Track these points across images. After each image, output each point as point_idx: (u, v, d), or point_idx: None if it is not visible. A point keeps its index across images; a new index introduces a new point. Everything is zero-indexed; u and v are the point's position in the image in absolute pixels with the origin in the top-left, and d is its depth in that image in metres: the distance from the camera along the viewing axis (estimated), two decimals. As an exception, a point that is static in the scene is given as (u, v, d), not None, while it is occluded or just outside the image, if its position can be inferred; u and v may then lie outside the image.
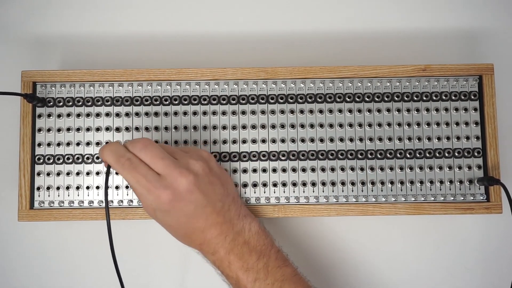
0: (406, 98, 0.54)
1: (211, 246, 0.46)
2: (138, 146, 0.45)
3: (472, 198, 0.53)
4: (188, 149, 0.48)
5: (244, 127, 0.54)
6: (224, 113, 0.54)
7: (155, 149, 0.44)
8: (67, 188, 0.54)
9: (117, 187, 0.54)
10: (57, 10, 0.62)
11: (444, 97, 0.54)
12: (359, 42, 0.61)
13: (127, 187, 0.53)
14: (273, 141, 0.54)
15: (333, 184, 0.53)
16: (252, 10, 0.62)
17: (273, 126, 0.54)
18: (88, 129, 0.54)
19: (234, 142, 0.54)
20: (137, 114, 0.54)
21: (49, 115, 0.54)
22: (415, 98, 0.54)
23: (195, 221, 0.46)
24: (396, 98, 0.54)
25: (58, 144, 0.54)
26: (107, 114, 0.54)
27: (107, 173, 0.46)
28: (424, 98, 0.54)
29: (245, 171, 0.53)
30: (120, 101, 0.54)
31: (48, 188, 0.53)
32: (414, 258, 0.58)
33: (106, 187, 0.46)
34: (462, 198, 0.53)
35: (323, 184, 0.53)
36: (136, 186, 0.44)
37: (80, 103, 0.55)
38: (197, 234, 0.46)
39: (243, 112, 0.54)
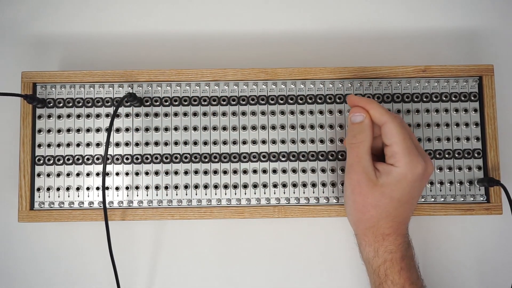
0: (406, 99, 0.54)
1: (395, 243, 0.45)
2: (399, 117, 0.46)
3: (472, 199, 0.53)
4: None
5: (244, 128, 0.54)
6: (224, 114, 0.54)
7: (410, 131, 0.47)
8: (67, 189, 0.54)
9: (117, 188, 0.54)
10: (57, 10, 0.62)
11: (444, 98, 0.54)
12: (359, 42, 0.61)
13: (127, 188, 0.53)
14: (273, 142, 0.54)
15: (333, 185, 0.53)
16: (252, 10, 0.62)
17: (273, 127, 0.54)
18: (88, 130, 0.54)
19: (234, 143, 0.54)
20: (137, 115, 0.54)
21: (49, 116, 0.54)
22: (415, 99, 0.54)
23: (407, 207, 0.46)
24: (396, 99, 0.54)
25: (58, 145, 0.54)
26: (107, 115, 0.54)
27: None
28: (424, 99, 0.54)
29: (245, 172, 0.53)
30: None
31: (48, 189, 0.53)
32: (414, 259, 0.58)
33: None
34: (462, 199, 0.53)
35: (323, 185, 0.53)
36: (401, 142, 0.44)
37: (80, 104, 0.55)
38: (394, 223, 0.45)
39: (243, 113, 0.54)
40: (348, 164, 0.47)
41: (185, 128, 0.54)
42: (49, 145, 0.54)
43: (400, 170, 0.44)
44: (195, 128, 0.54)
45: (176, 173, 0.54)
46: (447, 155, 0.54)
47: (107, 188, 0.54)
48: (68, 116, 0.54)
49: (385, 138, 0.45)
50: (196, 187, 0.53)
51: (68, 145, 0.54)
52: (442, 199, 0.53)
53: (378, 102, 0.48)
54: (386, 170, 0.45)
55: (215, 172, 0.54)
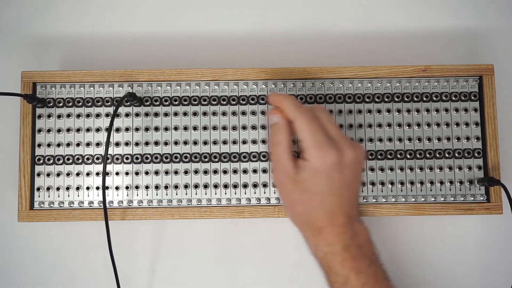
0: (406, 99, 0.54)
1: (331, 235, 0.45)
2: (316, 107, 0.47)
3: (472, 198, 0.53)
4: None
5: (244, 127, 0.54)
6: (224, 113, 0.54)
7: (330, 117, 0.47)
8: (67, 188, 0.54)
9: (117, 188, 0.54)
10: (57, 10, 0.62)
11: (444, 98, 0.54)
12: (359, 42, 0.61)
13: (127, 187, 0.53)
14: (273, 141, 0.54)
15: (333, 184, 0.53)
16: (252, 10, 0.62)
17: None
18: (88, 130, 0.54)
19: (234, 142, 0.54)
20: (137, 114, 0.54)
21: (49, 116, 0.54)
22: (415, 99, 0.54)
23: (333, 199, 0.45)
24: (396, 99, 0.54)
25: (58, 145, 0.54)
26: (107, 115, 0.54)
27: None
28: (424, 98, 0.54)
29: (245, 171, 0.53)
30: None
31: (48, 188, 0.53)
32: (414, 259, 0.58)
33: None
34: (463, 199, 0.53)
35: (323, 184, 0.53)
36: (309, 136, 0.44)
37: (80, 103, 0.55)
38: (324, 215, 0.45)
39: (243, 113, 0.54)
40: (272, 165, 0.48)
41: (185, 128, 0.54)
42: (49, 145, 0.54)
43: (312, 164, 0.44)
44: (195, 128, 0.54)
45: (176, 172, 0.54)
46: (447, 155, 0.54)
47: (107, 188, 0.53)
48: (68, 115, 0.54)
49: (297, 134, 0.46)
50: (196, 186, 0.53)
51: (68, 144, 0.54)
52: (442, 199, 0.53)
53: (294, 97, 0.48)
54: (302, 166, 0.45)
55: (215, 171, 0.54)
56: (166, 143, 0.54)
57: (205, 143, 0.54)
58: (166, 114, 0.54)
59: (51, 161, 0.54)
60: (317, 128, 0.45)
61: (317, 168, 0.44)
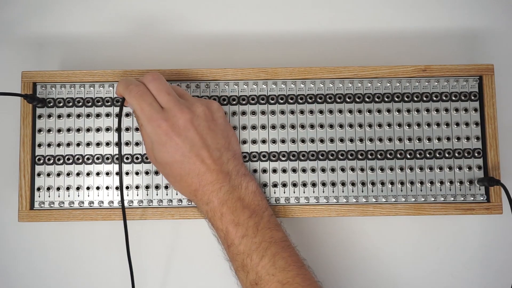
0: (406, 99, 0.54)
1: (206, 194, 0.47)
2: (148, 78, 0.48)
3: (472, 198, 0.53)
4: (201, 99, 0.50)
5: (244, 127, 0.54)
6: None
7: (163, 84, 0.48)
8: (67, 188, 0.54)
9: (117, 188, 0.54)
10: (57, 10, 0.62)
11: (444, 98, 0.54)
12: (359, 42, 0.61)
13: (127, 187, 0.53)
14: (274, 141, 0.54)
15: (333, 184, 0.53)
16: (252, 10, 0.62)
17: (273, 127, 0.54)
18: (88, 130, 0.54)
19: (234, 142, 0.54)
20: (137, 114, 0.54)
21: (49, 116, 0.54)
22: (415, 99, 0.54)
23: (191, 162, 0.46)
24: (396, 99, 0.54)
25: (58, 145, 0.54)
26: (107, 115, 0.54)
27: (121, 108, 0.49)
28: (424, 98, 0.54)
29: (245, 171, 0.53)
30: (121, 102, 0.54)
31: (48, 188, 0.53)
32: (414, 259, 0.58)
33: (120, 138, 0.50)
34: (462, 199, 0.53)
35: (324, 184, 0.53)
36: (140, 113, 0.46)
37: (80, 103, 0.55)
38: (192, 177, 0.47)
39: (243, 113, 0.54)
40: None
41: (185, 128, 0.54)
42: (49, 145, 0.54)
43: (151, 138, 0.47)
44: (195, 128, 0.54)
45: (176, 172, 0.54)
46: (447, 155, 0.54)
47: (107, 187, 0.54)
48: (68, 115, 0.54)
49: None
50: (196, 186, 0.53)
51: (68, 144, 0.54)
52: (442, 199, 0.53)
53: (126, 78, 0.51)
54: (148, 143, 0.48)
55: (215, 171, 0.54)
56: (166, 143, 0.54)
57: (205, 143, 0.54)
58: (166, 114, 0.54)
59: (51, 161, 0.54)
60: (146, 102, 0.46)
61: (156, 141, 0.46)
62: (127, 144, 0.54)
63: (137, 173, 0.54)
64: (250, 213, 0.46)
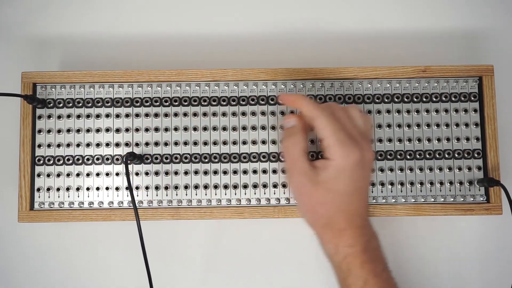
0: (406, 99, 0.54)
1: (352, 236, 0.44)
2: (334, 105, 0.46)
3: (472, 199, 0.53)
4: (367, 131, 0.47)
5: (244, 128, 0.54)
6: (224, 114, 0.54)
7: (348, 115, 0.46)
8: (67, 189, 0.54)
9: (117, 188, 0.54)
10: (57, 10, 0.62)
11: (444, 98, 0.54)
12: (359, 43, 0.61)
13: (127, 188, 0.53)
14: (273, 142, 0.54)
15: (333, 185, 0.53)
16: (252, 10, 0.62)
17: (273, 128, 0.54)
18: (88, 130, 0.54)
19: (234, 143, 0.54)
20: (137, 115, 0.54)
21: (49, 116, 0.54)
22: (415, 99, 0.54)
23: (355, 198, 0.45)
24: (396, 99, 0.54)
25: (58, 145, 0.54)
26: (107, 115, 0.54)
27: (126, 167, 0.47)
28: (424, 99, 0.54)
29: (245, 172, 0.53)
30: (120, 102, 0.54)
31: (48, 189, 0.53)
32: (413, 259, 0.58)
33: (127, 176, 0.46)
34: (462, 199, 0.53)
35: (323, 185, 0.53)
36: (332, 134, 0.43)
37: (80, 104, 0.55)
38: (346, 216, 0.44)
39: (243, 113, 0.54)
40: (287, 168, 0.47)
41: (185, 129, 0.54)
42: (49, 146, 0.54)
43: (336, 162, 0.43)
44: (195, 129, 0.54)
45: (176, 173, 0.54)
46: (447, 155, 0.54)
47: (107, 188, 0.54)
48: (68, 116, 0.54)
49: (318, 132, 0.45)
50: (196, 187, 0.54)
51: (68, 145, 0.54)
52: (442, 199, 0.53)
53: (307, 97, 0.48)
54: (324, 165, 0.44)
55: (215, 172, 0.54)
56: (166, 144, 0.54)
57: (205, 143, 0.54)
58: (166, 115, 0.54)
59: (51, 162, 0.54)
60: (338, 126, 0.44)
61: (341, 167, 0.43)
62: (127, 144, 0.54)
63: (137, 174, 0.54)
64: (383, 266, 0.45)
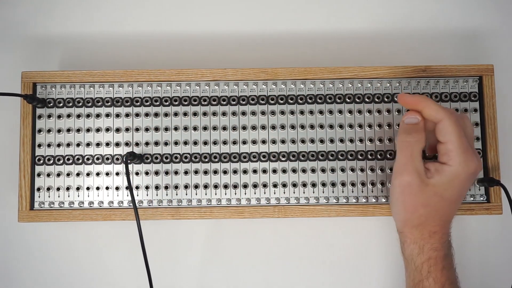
0: (406, 99, 0.54)
1: (441, 240, 0.45)
2: (461, 114, 0.47)
3: (472, 199, 0.53)
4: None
5: (244, 128, 0.54)
6: (224, 114, 0.54)
7: (472, 126, 0.47)
8: (67, 189, 0.54)
9: (117, 188, 0.54)
10: (57, 10, 0.62)
11: (444, 98, 0.54)
12: (359, 42, 0.61)
13: (127, 187, 0.53)
14: (273, 142, 0.54)
15: (333, 185, 0.53)
16: (252, 10, 0.62)
17: (273, 127, 0.54)
18: (88, 130, 0.54)
19: (234, 143, 0.54)
20: (137, 115, 0.54)
21: (49, 116, 0.54)
22: (415, 99, 0.54)
23: (456, 206, 0.46)
24: (397, 99, 0.54)
25: (58, 145, 0.54)
26: (107, 115, 0.54)
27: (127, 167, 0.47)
28: (424, 99, 0.54)
29: (245, 172, 0.53)
30: (120, 102, 0.54)
31: (48, 189, 0.53)
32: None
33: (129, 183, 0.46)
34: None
35: (323, 185, 0.53)
36: (456, 140, 0.43)
37: (80, 104, 0.55)
38: (442, 220, 0.45)
39: (243, 113, 0.54)
40: (399, 163, 0.46)
41: (185, 128, 0.54)
42: (49, 145, 0.54)
43: (454, 169, 0.43)
44: (195, 128, 0.54)
45: (176, 173, 0.54)
46: (447, 155, 0.54)
47: (107, 188, 0.54)
48: (68, 116, 0.54)
49: (440, 135, 0.44)
50: (196, 187, 0.54)
51: (68, 145, 0.54)
52: (442, 199, 0.53)
53: (431, 99, 0.47)
54: (439, 169, 0.44)
55: (215, 172, 0.54)
56: (166, 143, 0.54)
57: (205, 143, 0.54)
58: (166, 114, 0.54)
59: (51, 162, 0.54)
60: (462, 133, 0.44)
61: (457, 174, 0.43)
62: (127, 144, 0.54)
63: (137, 174, 0.54)
64: (456, 275, 0.46)
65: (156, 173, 0.54)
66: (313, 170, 0.53)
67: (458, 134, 0.43)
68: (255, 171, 0.54)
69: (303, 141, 0.54)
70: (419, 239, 0.46)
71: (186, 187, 0.53)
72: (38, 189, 0.53)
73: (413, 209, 0.45)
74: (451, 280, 0.45)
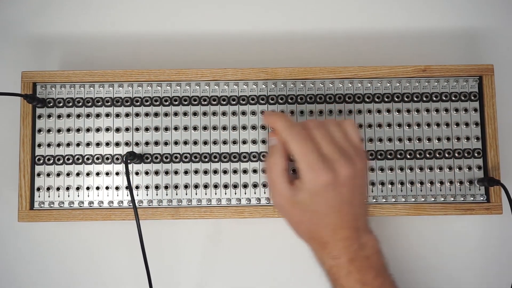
0: (406, 99, 0.54)
1: (335, 249, 0.45)
2: (312, 123, 0.45)
3: (472, 198, 0.53)
4: (353, 143, 0.46)
5: (244, 127, 0.54)
6: (224, 113, 0.54)
7: (327, 131, 0.44)
8: (67, 188, 0.54)
9: (117, 188, 0.54)
10: (57, 10, 0.62)
11: (444, 98, 0.54)
12: (359, 42, 0.61)
13: (127, 187, 0.53)
14: (273, 141, 0.54)
15: (333, 184, 0.53)
16: (252, 10, 0.62)
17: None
18: (88, 130, 0.54)
19: (234, 142, 0.54)
20: (137, 114, 0.54)
21: (49, 116, 0.54)
22: (415, 99, 0.54)
23: (333, 216, 0.44)
24: (396, 99, 0.54)
25: (58, 145, 0.54)
26: (107, 115, 0.54)
27: (126, 167, 0.46)
28: (424, 98, 0.54)
29: (245, 171, 0.53)
30: (120, 102, 0.54)
31: (48, 188, 0.53)
32: (413, 259, 0.58)
33: (129, 183, 0.46)
34: (462, 199, 0.53)
35: (323, 184, 0.53)
36: (302, 158, 0.43)
37: (80, 103, 0.55)
38: (327, 231, 0.45)
39: (243, 113, 0.54)
40: (268, 185, 0.48)
41: (185, 128, 0.54)
42: (49, 145, 0.54)
43: (307, 185, 0.43)
44: (195, 128, 0.54)
45: (176, 172, 0.54)
46: (447, 155, 0.54)
47: (107, 188, 0.54)
48: (68, 115, 0.54)
49: (291, 155, 0.44)
50: (196, 186, 0.54)
51: (68, 144, 0.54)
52: (442, 199, 0.53)
53: (286, 116, 0.46)
54: (299, 187, 0.44)
55: (215, 171, 0.54)
56: (166, 143, 0.54)
57: (205, 143, 0.54)
58: (166, 114, 0.54)
59: (51, 161, 0.54)
60: (309, 148, 0.43)
61: (311, 190, 0.43)
62: (127, 144, 0.54)
63: (137, 173, 0.54)
64: (375, 273, 0.45)
65: (156, 173, 0.54)
66: (313, 170, 0.53)
67: (302, 152, 0.43)
68: (255, 171, 0.54)
69: (303, 141, 0.54)
70: (318, 249, 0.46)
71: (186, 187, 0.53)
72: (38, 189, 0.53)
73: (296, 225, 0.46)
74: (363, 282, 0.44)
